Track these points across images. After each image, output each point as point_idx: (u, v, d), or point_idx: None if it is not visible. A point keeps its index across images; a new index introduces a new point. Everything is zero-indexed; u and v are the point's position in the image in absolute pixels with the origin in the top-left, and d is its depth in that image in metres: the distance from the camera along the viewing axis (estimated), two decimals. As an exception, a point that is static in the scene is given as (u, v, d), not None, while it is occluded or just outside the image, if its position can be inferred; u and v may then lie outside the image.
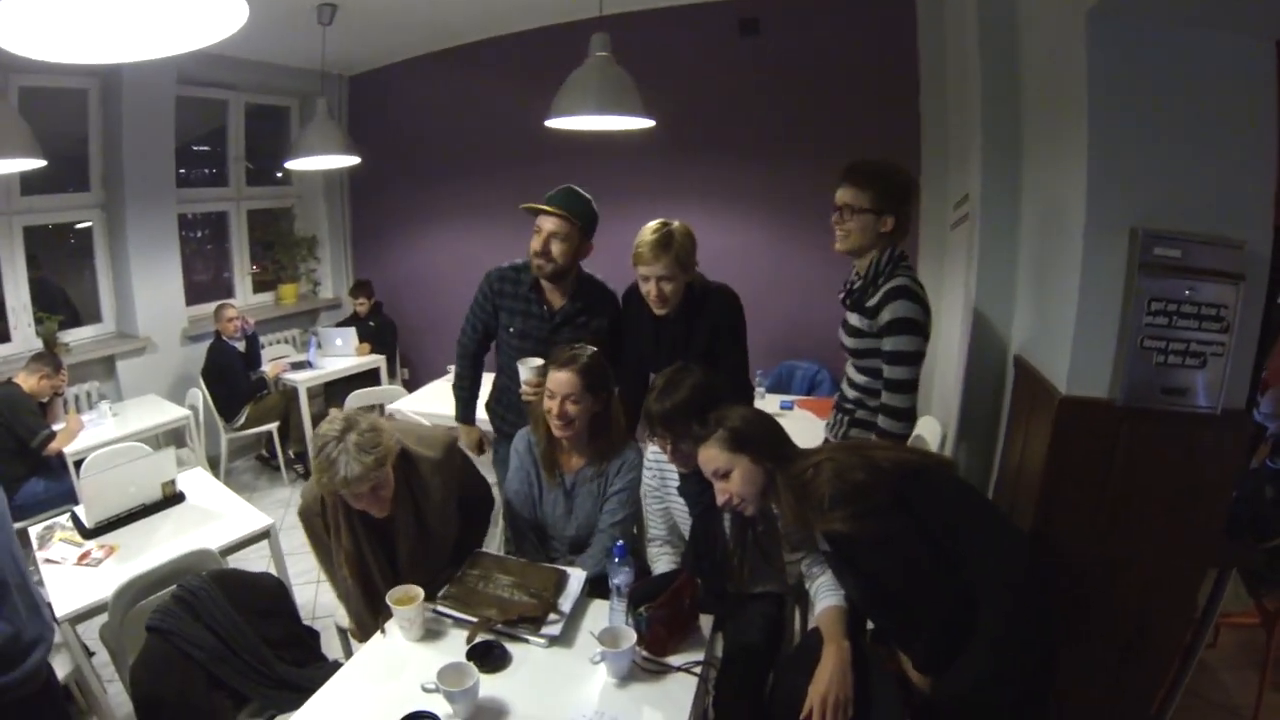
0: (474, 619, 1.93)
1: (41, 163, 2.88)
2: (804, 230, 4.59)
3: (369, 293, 5.71)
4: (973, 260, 2.67)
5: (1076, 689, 2.03)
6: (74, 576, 2.47)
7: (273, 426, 4.96)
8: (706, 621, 1.97)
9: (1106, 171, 1.84)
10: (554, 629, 1.91)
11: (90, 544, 2.64)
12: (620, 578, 1.89)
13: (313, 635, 2.32)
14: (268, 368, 5.08)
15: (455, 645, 1.89)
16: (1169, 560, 1.93)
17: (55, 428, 3.79)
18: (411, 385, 5.37)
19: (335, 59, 5.10)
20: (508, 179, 5.19)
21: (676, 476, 2.16)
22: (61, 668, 2.28)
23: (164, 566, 2.23)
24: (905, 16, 3.98)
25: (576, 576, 2.09)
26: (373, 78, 5.84)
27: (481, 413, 2.90)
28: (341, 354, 5.37)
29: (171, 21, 1.16)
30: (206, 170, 5.70)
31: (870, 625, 1.97)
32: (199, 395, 4.67)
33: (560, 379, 2.18)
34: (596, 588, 2.12)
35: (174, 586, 2.07)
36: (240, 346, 4.90)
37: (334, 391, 5.29)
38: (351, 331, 5.41)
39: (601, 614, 1.99)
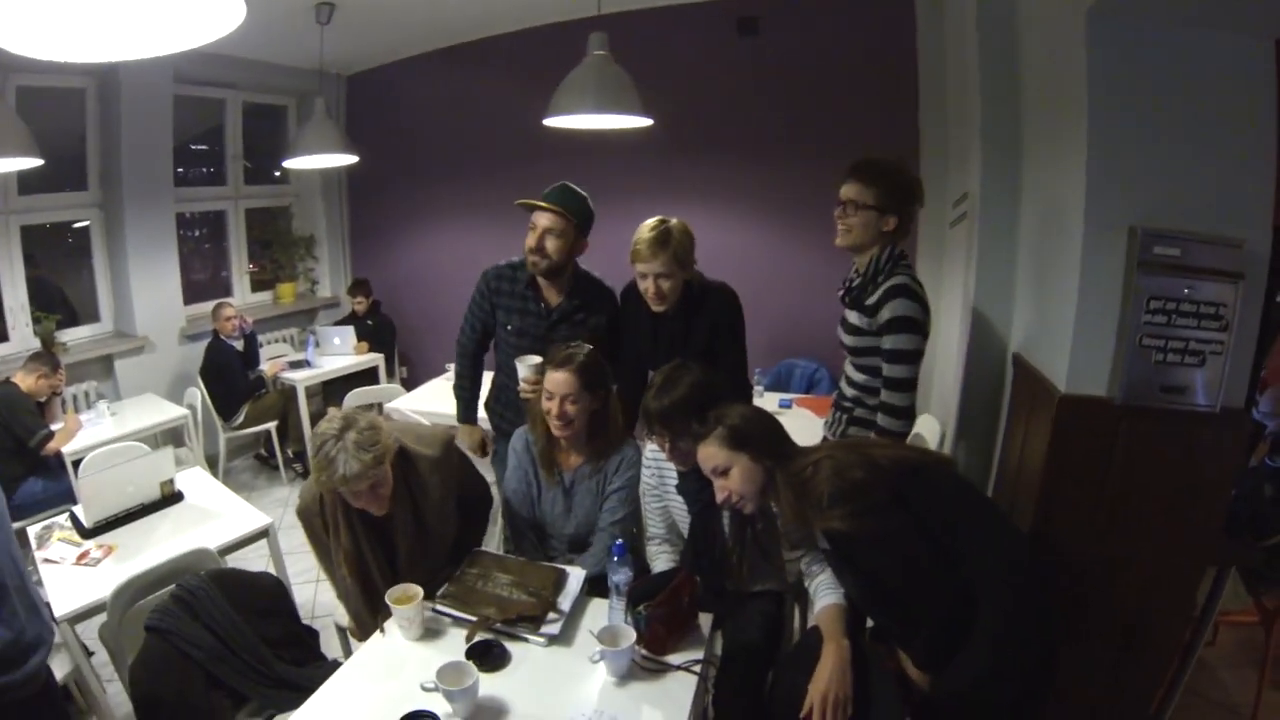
0: (473, 618, 1.93)
1: (39, 162, 2.87)
2: (803, 229, 4.60)
3: (367, 291, 5.70)
4: (972, 259, 2.67)
5: (1076, 687, 2.03)
6: (73, 576, 2.46)
7: (271, 425, 4.95)
8: (706, 620, 1.97)
9: (1106, 170, 1.84)
10: (553, 628, 1.91)
11: (89, 544, 2.64)
12: (619, 576, 1.89)
13: (312, 634, 2.32)
14: (266, 367, 5.07)
15: (454, 644, 1.88)
16: (1168, 558, 1.93)
17: (53, 427, 3.78)
18: (410, 384, 5.37)
19: (333, 58, 5.09)
20: (505, 178, 5.18)
21: (675, 475, 2.15)
22: (61, 668, 2.28)
23: (162, 566, 2.22)
24: (905, 15, 3.98)
25: (575, 575, 2.09)
26: (370, 77, 5.83)
27: (481, 411, 2.90)
28: (340, 353, 5.36)
29: (169, 20, 1.15)
30: (204, 169, 5.69)
31: (869, 623, 1.97)
32: (197, 394, 4.66)
33: (558, 379, 2.17)
34: (595, 586, 2.12)
35: (173, 586, 2.06)
36: (238, 345, 4.89)
37: (332, 390, 5.29)
38: (350, 330, 5.41)
39: (601, 613, 1.99)
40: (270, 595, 2.24)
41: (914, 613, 1.70)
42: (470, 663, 1.71)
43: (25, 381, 3.73)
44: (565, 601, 1.99)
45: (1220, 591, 2.29)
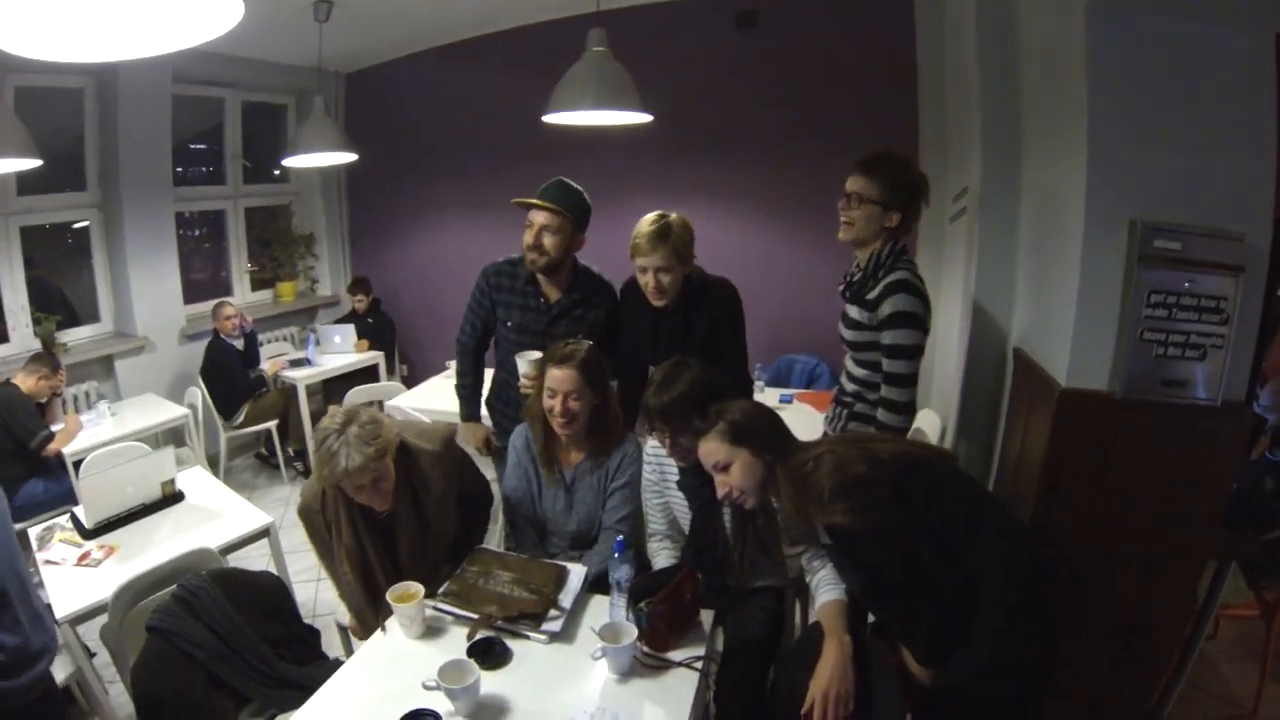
0: (474, 616, 1.93)
1: (37, 162, 2.86)
2: (803, 224, 4.59)
3: (367, 289, 5.70)
4: (972, 253, 2.67)
5: (1076, 681, 2.04)
6: (74, 577, 2.47)
7: (272, 424, 4.96)
8: (707, 616, 1.97)
9: (1106, 164, 1.83)
10: (555, 625, 1.91)
11: (90, 544, 2.64)
12: (620, 573, 1.89)
13: (313, 634, 2.32)
14: (266, 366, 5.07)
15: (456, 642, 1.88)
16: (1169, 552, 1.93)
17: (54, 428, 3.78)
18: (410, 382, 5.38)
19: (332, 56, 5.08)
20: (505, 175, 5.17)
21: (676, 471, 2.15)
22: (62, 669, 2.28)
23: (164, 566, 2.22)
24: (904, 8, 3.97)
25: (577, 572, 2.09)
26: (369, 74, 5.82)
27: (482, 409, 2.90)
28: (340, 351, 5.36)
29: (166, 19, 1.15)
30: (203, 168, 5.68)
31: (871, 618, 1.97)
32: (198, 394, 4.67)
33: (560, 376, 2.17)
34: (597, 583, 2.12)
35: (174, 586, 2.06)
36: (239, 345, 4.89)
37: (333, 389, 5.29)
38: (350, 328, 5.41)
39: (602, 610, 1.99)
40: (271, 594, 2.24)
41: (915, 607, 1.70)
42: (472, 661, 1.71)
43: (26, 383, 3.73)
44: (566, 598, 1.99)
45: (1221, 585, 2.29)
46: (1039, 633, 1.64)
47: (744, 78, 4.63)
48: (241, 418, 4.85)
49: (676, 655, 1.82)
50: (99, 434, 3.99)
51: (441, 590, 2.02)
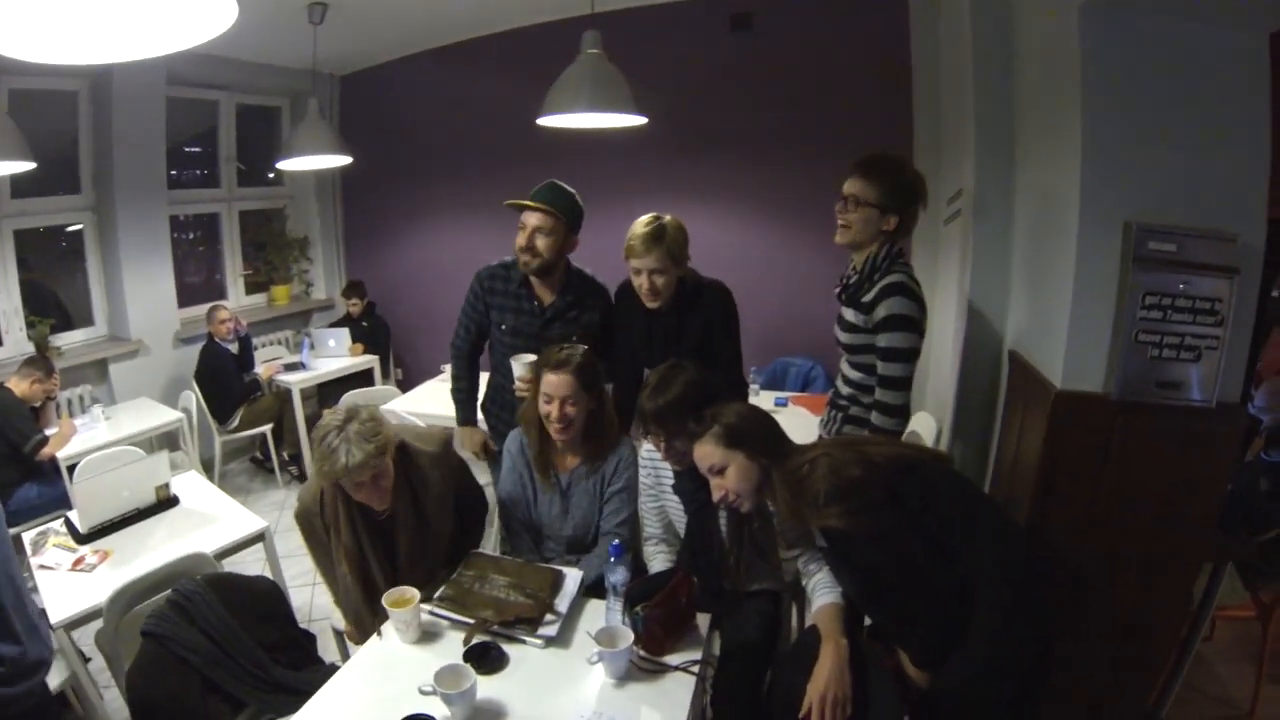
0: (470, 620, 1.92)
1: (31, 165, 2.85)
2: (798, 226, 4.60)
3: (362, 293, 5.69)
4: (967, 255, 2.67)
5: (1076, 683, 2.04)
6: (68, 582, 2.45)
7: (266, 428, 4.94)
8: (703, 620, 1.97)
9: (1101, 165, 1.84)
10: (551, 629, 1.90)
11: (84, 549, 2.62)
12: (616, 577, 1.88)
13: (309, 638, 2.31)
14: (261, 369, 5.05)
15: (452, 647, 1.88)
16: (1164, 554, 1.94)
17: (48, 432, 3.76)
18: (405, 385, 5.36)
19: (326, 58, 5.07)
20: (500, 177, 5.14)
21: (671, 475, 2.15)
22: (58, 675, 2.26)
23: (158, 571, 2.21)
24: (898, 10, 3.97)
25: (573, 576, 2.08)
26: (364, 77, 5.81)
27: (478, 413, 2.89)
28: (335, 355, 5.35)
29: (160, 21, 1.14)
30: (198, 171, 5.67)
31: (867, 622, 1.97)
32: (192, 398, 4.65)
33: (556, 381, 2.17)
34: (592, 587, 2.11)
35: (169, 591, 2.05)
36: (233, 348, 4.88)
37: (327, 393, 5.27)
38: (344, 332, 5.40)
39: (598, 614, 1.98)
40: (267, 599, 2.23)
41: (911, 610, 1.70)
42: (468, 665, 1.70)
43: (19, 387, 3.71)
44: (563, 603, 1.98)
45: (1217, 586, 2.29)
46: (1035, 635, 1.64)
47: (738, 80, 4.63)
48: (236, 422, 4.84)
49: (673, 659, 1.81)
50: (93, 438, 3.97)
51: (437, 595, 2.01)
